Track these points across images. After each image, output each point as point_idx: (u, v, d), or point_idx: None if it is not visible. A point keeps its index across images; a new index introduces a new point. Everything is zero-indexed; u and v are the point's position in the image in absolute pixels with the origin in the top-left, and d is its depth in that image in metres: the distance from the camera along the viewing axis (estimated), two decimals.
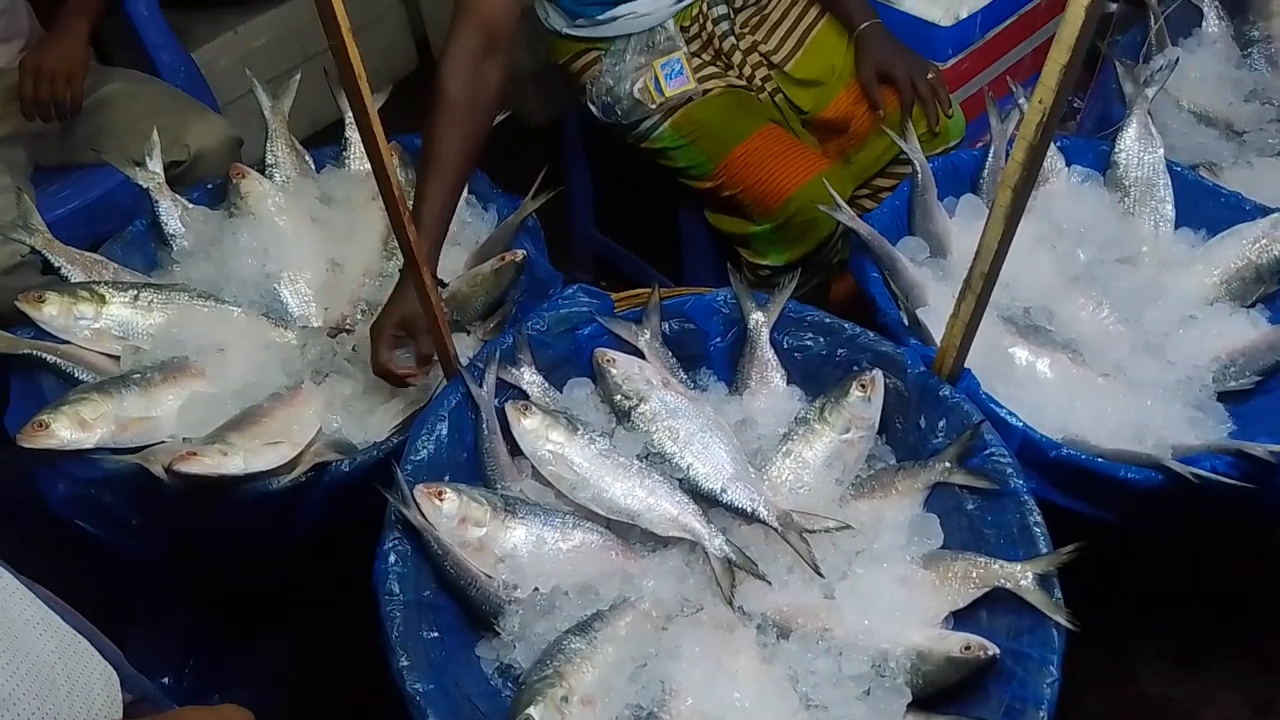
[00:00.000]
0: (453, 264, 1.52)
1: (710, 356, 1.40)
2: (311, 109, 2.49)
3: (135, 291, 1.43)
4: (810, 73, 1.72)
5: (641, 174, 1.82)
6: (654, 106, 1.62)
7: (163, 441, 1.29)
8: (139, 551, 1.36)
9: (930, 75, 1.65)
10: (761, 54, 1.73)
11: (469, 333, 1.45)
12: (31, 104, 1.64)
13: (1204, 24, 1.81)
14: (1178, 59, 1.61)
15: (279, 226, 1.55)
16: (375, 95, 1.66)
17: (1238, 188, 1.52)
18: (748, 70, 1.72)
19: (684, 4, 1.68)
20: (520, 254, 1.43)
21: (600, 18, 1.67)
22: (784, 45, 1.73)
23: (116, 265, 1.53)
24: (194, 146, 1.74)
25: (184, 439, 1.27)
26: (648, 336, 1.34)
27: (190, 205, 1.59)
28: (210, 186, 1.65)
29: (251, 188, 1.56)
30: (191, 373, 1.38)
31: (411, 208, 1.28)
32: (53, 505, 1.30)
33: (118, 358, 1.42)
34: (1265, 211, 1.45)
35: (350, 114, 1.57)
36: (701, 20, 1.71)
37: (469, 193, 1.62)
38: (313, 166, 1.70)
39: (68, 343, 1.40)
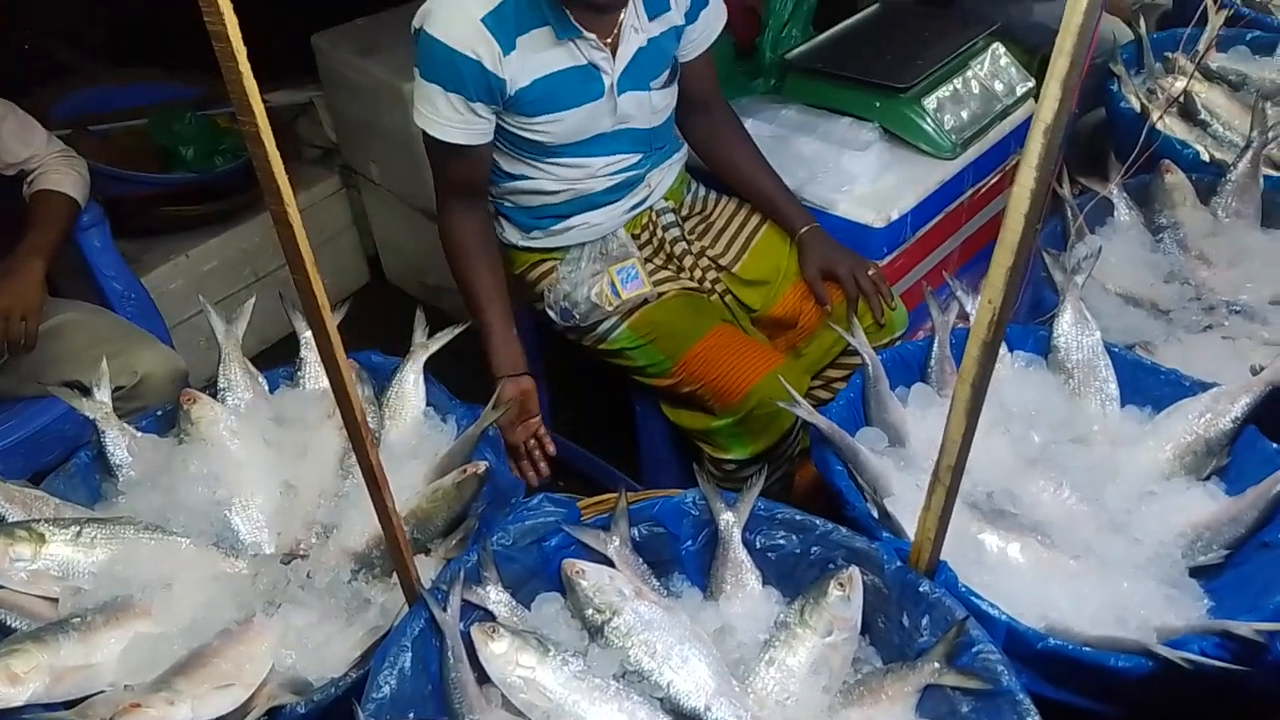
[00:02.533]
0: (411, 479, 1.49)
1: (682, 561, 1.37)
2: (261, 327, 2.50)
3: (77, 528, 1.36)
4: (757, 273, 1.79)
5: (596, 373, 1.84)
6: (611, 309, 1.67)
7: (103, 691, 1.20)
8: None
9: (871, 271, 1.74)
10: (710, 258, 1.81)
11: (429, 552, 1.40)
12: None
13: (1116, 213, 1.93)
14: (1100, 248, 1.71)
15: (230, 451, 1.51)
16: (333, 314, 1.69)
17: (1173, 364, 1.57)
18: (698, 274, 1.79)
19: (635, 213, 1.76)
20: (483, 466, 1.41)
21: (555, 228, 1.74)
22: (730, 249, 1.81)
23: (58, 500, 1.46)
24: (141, 372, 1.72)
25: (126, 687, 1.18)
26: (617, 544, 1.31)
27: (138, 434, 1.55)
28: (160, 413, 1.62)
29: (203, 413, 1.53)
30: (136, 612, 1.30)
31: (482, 341, 1.71)
32: None
33: (57, 600, 1.33)
34: (1204, 386, 1.50)
35: (307, 332, 1.59)
36: (651, 228, 1.79)
37: (427, 404, 1.62)
38: (266, 388, 1.68)
39: (2, 587, 1.32)
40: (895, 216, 1.88)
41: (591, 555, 1.30)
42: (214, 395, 1.60)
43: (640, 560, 1.33)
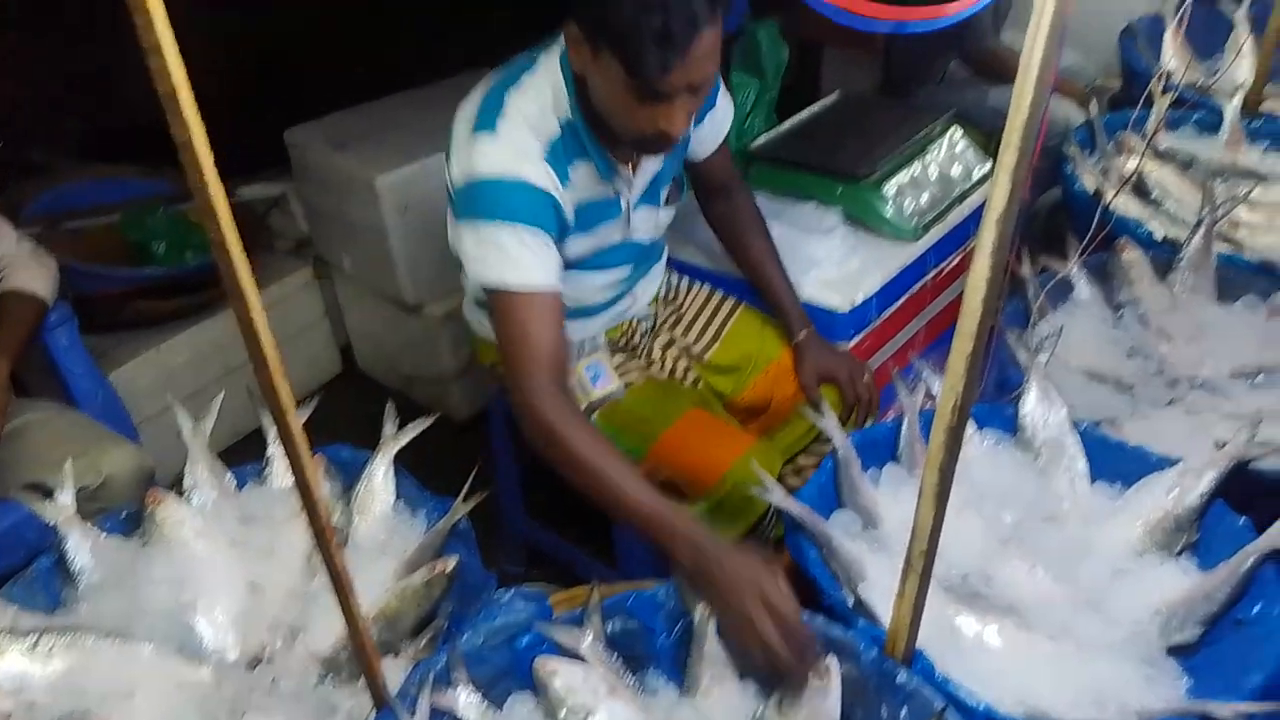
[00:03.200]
0: (380, 576, 1.46)
1: (657, 655, 1.34)
2: (233, 420, 2.48)
3: (34, 637, 1.32)
4: (728, 359, 1.81)
5: None
6: (581, 407, 1.66)
7: None
8: None
9: (865, 377, 1.77)
10: (680, 347, 1.82)
11: (399, 653, 1.37)
12: None
13: (1076, 292, 1.97)
14: (1061, 326, 1.74)
15: (195, 553, 1.48)
16: (300, 409, 1.68)
17: (1139, 440, 1.59)
18: (669, 364, 1.81)
19: (616, 322, 1.77)
20: (452, 562, 1.39)
21: None
22: (702, 338, 1.83)
23: (16, 609, 1.42)
24: (105, 471, 1.70)
25: None
26: (590, 640, 1.29)
27: (103, 535, 1.52)
28: (124, 515, 1.59)
29: (168, 514, 1.51)
30: None
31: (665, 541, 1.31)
32: None
33: (10, 716, 1.29)
34: (1170, 462, 1.51)
35: (274, 429, 1.57)
36: (630, 333, 1.81)
37: (397, 497, 1.60)
38: (234, 485, 1.66)
39: None
40: (860, 299, 1.91)
41: (565, 652, 1.28)
42: (181, 494, 1.58)
43: (615, 656, 1.30)
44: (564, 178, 1.50)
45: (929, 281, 2.10)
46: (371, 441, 1.63)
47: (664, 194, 1.73)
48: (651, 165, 1.65)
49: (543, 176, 1.45)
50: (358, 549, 1.54)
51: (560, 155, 1.49)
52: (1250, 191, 2.20)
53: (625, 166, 1.61)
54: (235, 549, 1.54)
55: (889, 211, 2.01)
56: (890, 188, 2.03)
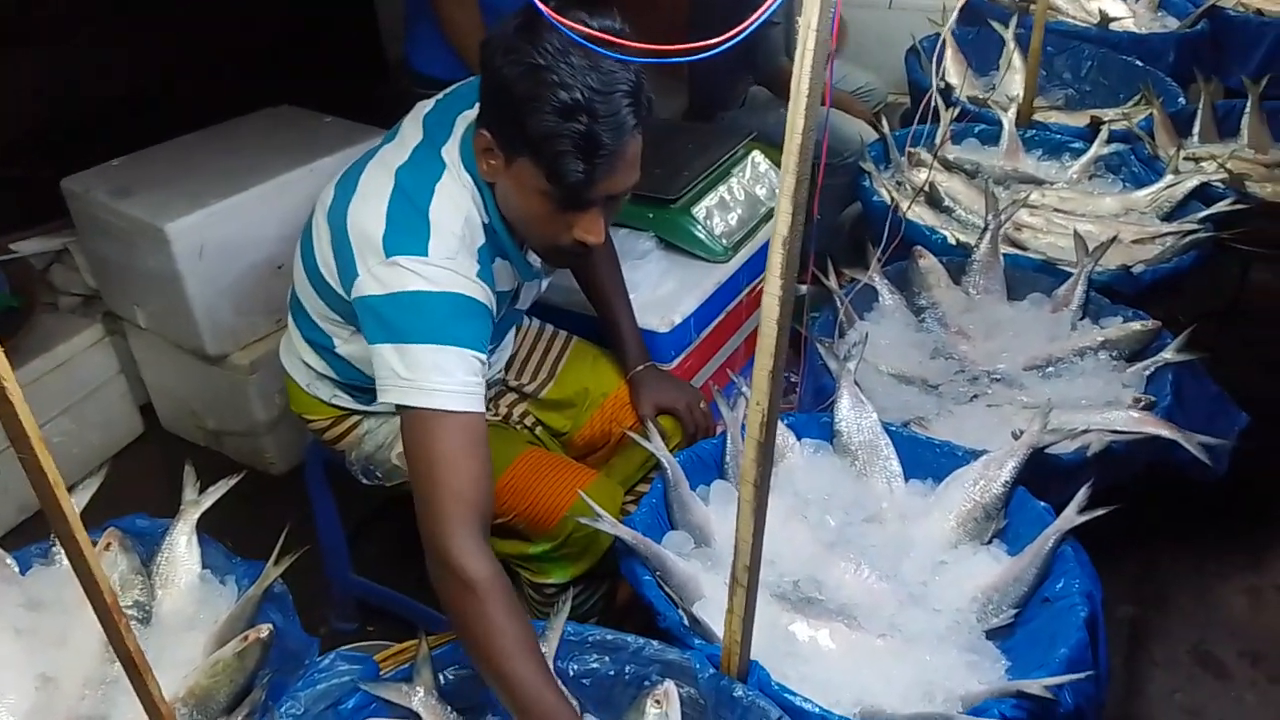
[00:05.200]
0: (189, 653, 1.36)
1: (493, 703, 1.30)
2: (19, 495, 2.28)
3: None
4: (563, 394, 1.79)
5: (399, 504, 1.76)
6: None
7: None
8: None
9: (702, 404, 1.78)
10: (514, 389, 1.79)
11: None
12: None
13: (880, 299, 2.06)
14: (866, 334, 1.81)
15: None
16: (89, 480, 1.55)
17: (946, 436, 1.67)
18: (503, 409, 1.77)
19: None
20: (266, 629, 1.30)
21: (368, 390, 1.63)
22: (536, 377, 1.81)
23: None
24: None
25: None
26: (421, 694, 1.24)
27: None
28: None
29: None
30: None
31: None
32: None
33: None
34: (975, 455, 1.59)
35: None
36: None
37: (203, 566, 1.49)
38: (16, 569, 1.50)
39: None
40: (679, 320, 1.93)
41: (396, 711, 1.22)
42: None
43: (449, 709, 1.25)
44: (491, 281, 1.41)
45: (743, 299, 2.16)
46: (179, 505, 1.52)
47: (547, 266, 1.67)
48: None
49: (481, 291, 1.36)
50: (162, 626, 1.42)
51: (485, 259, 1.41)
52: (1028, 196, 2.38)
53: (531, 259, 1.56)
54: (21, 639, 1.39)
55: (700, 233, 2.05)
56: (699, 210, 2.08)
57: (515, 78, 1.23)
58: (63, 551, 1.49)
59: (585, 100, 1.20)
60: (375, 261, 1.33)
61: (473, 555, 1.22)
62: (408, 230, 1.33)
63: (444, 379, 1.27)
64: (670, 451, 1.60)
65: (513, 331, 1.80)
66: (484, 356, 1.34)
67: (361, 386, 1.63)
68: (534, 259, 1.55)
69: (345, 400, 1.68)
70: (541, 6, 0.78)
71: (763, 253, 2.16)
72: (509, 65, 1.24)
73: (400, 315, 1.31)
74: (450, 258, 1.33)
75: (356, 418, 1.69)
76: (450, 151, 1.41)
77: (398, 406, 1.30)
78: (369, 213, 1.37)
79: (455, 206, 1.38)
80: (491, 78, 1.28)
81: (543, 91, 1.21)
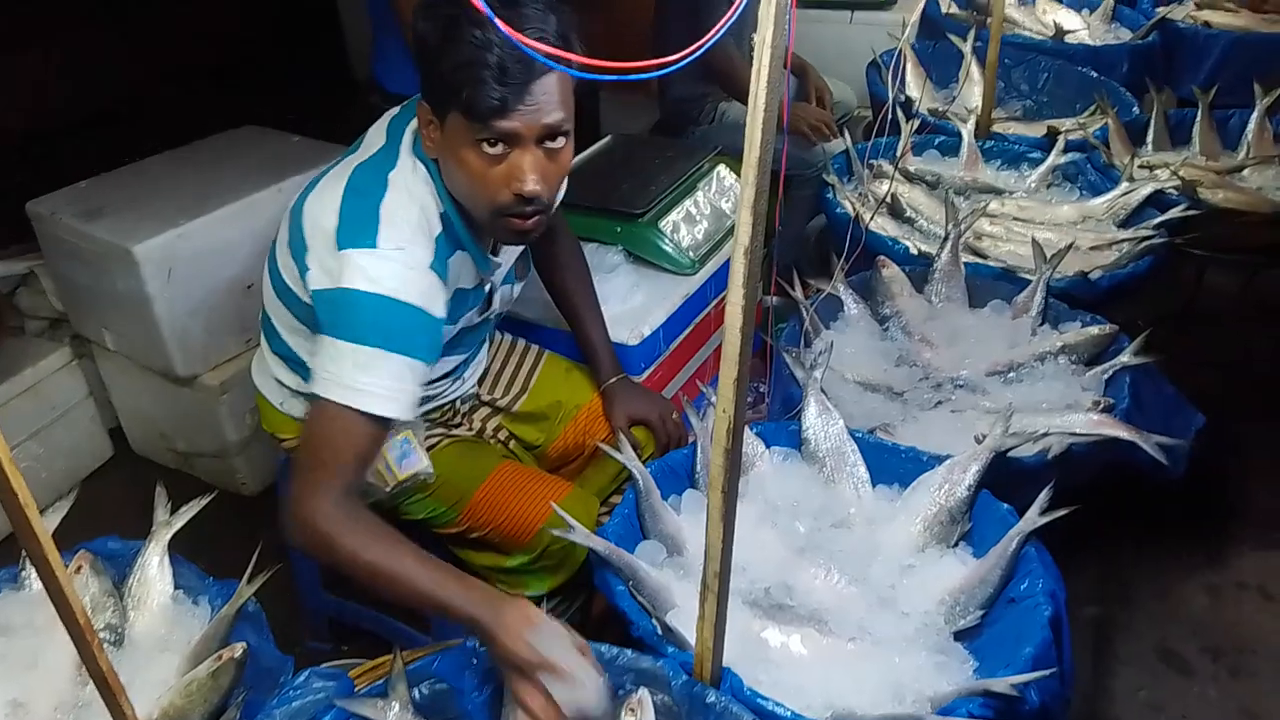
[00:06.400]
0: (163, 674, 1.35)
1: (471, 715, 1.31)
2: None
3: None
4: (536, 407, 1.80)
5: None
6: (387, 490, 1.58)
7: None
8: None
9: (675, 415, 1.80)
10: (487, 403, 1.80)
11: None
12: None
13: (845, 309, 2.10)
14: (832, 343, 1.84)
15: None
16: (59, 503, 1.54)
17: (911, 442, 1.70)
18: (477, 424, 1.78)
19: (431, 405, 1.71)
20: (240, 648, 1.30)
21: None
22: (510, 391, 1.82)
23: None
24: None
25: None
26: (396, 709, 1.24)
27: None
28: None
29: None
30: None
31: (454, 615, 1.24)
32: None
33: None
34: (940, 459, 1.62)
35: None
36: (451, 412, 1.77)
37: (176, 587, 1.49)
38: None
39: None
40: (648, 333, 1.96)
41: None
42: None
43: None
44: (444, 274, 1.41)
45: (711, 310, 2.19)
46: (150, 527, 1.51)
47: (520, 271, 1.70)
48: (513, 250, 1.62)
49: (430, 294, 1.36)
50: (135, 648, 1.42)
51: (443, 251, 1.42)
52: (987, 205, 2.42)
53: (495, 256, 1.57)
54: None
55: (667, 246, 2.08)
56: (666, 224, 2.10)
57: (433, 30, 1.30)
58: (33, 575, 1.50)
59: (497, 33, 1.21)
60: (327, 254, 1.36)
61: (357, 517, 1.30)
62: (359, 222, 1.36)
63: (367, 380, 1.30)
64: (644, 462, 1.62)
65: (486, 345, 1.81)
66: (420, 362, 1.34)
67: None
68: (500, 257, 1.56)
69: None
70: (495, 17, 0.79)
71: (729, 265, 2.21)
72: (427, 21, 1.31)
73: (338, 311, 1.33)
74: (400, 247, 1.35)
75: None
76: (406, 143, 1.45)
77: (314, 395, 1.33)
78: (323, 207, 1.40)
79: (409, 195, 1.40)
80: (418, 42, 1.34)
81: (457, 31, 1.27)
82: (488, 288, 1.61)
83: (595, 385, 1.84)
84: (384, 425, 1.34)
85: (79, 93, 2.91)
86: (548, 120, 1.33)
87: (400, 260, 1.34)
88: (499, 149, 1.33)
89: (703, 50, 0.77)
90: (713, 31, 0.75)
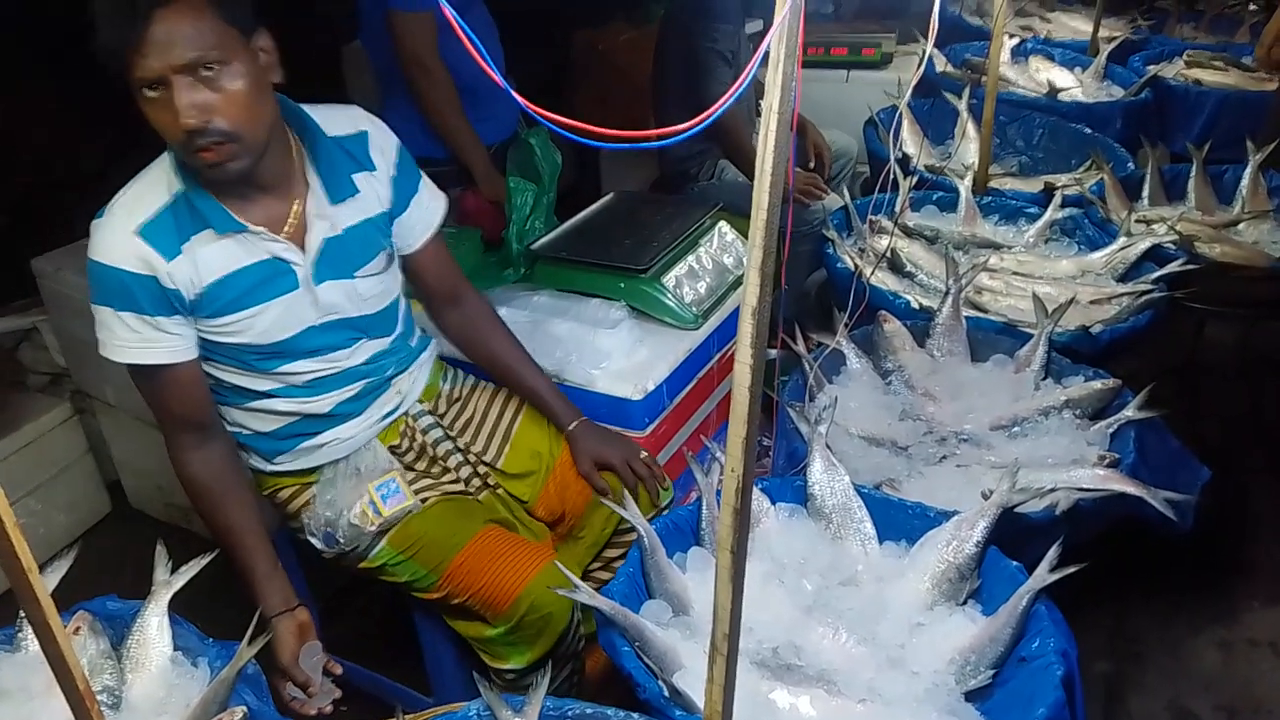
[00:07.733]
0: None
1: None
2: None
3: None
4: (520, 466, 1.79)
5: (369, 584, 1.75)
6: (373, 528, 1.58)
7: None
8: None
9: (643, 455, 1.77)
10: (474, 455, 1.78)
11: None
12: None
13: (848, 363, 2.10)
14: (836, 397, 1.84)
15: None
16: (58, 561, 1.53)
17: (918, 498, 1.69)
18: (465, 472, 1.76)
19: (388, 422, 1.71)
20: (239, 712, 1.28)
21: (302, 448, 1.66)
22: (491, 444, 1.80)
23: None
24: None
25: None
26: None
27: None
28: None
29: None
30: None
31: (245, 583, 1.56)
32: None
33: None
34: (947, 515, 1.61)
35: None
36: (410, 434, 1.75)
37: (175, 648, 1.47)
38: None
39: None
40: (651, 387, 1.96)
41: None
42: None
43: None
44: (171, 251, 1.47)
45: (715, 365, 2.19)
46: (146, 585, 1.49)
47: (364, 270, 1.63)
48: (318, 232, 1.56)
49: (131, 254, 1.45)
50: (133, 710, 1.39)
51: (168, 226, 1.47)
52: (987, 260, 2.44)
53: (282, 237, 1.53)
54: None
55: (670, 301, 2.09)
56: (669, 279, 2.12)
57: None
58: (29, 637, 1.47)
59: None
60: None
61: (194, 461, 1.58)
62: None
63: (107, 335, 1.49)
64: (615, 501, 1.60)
65: (420, 361, 1.79)
66: (151, 317, 1.47)
67: (280, 435, 1.67)
68: (280, 238, 1.54)
69: (285, 463, 1.69)
70: (497, 78, 0.79)
71: (732, 319, 2.22)
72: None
73: (89, 281, 1.49)
74: (110, 213, 1.47)
75: (305, 485, 1.70)
76: None
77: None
78: None
79: (141, 178, 1.51)
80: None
81: (95, 7, 1.33)
82: (300, 275, 1.55)
83: (557, 430, 1.83)
84: (160, 376, 1.51)
85: (83, 147, 2.92)
86: (177, 59, 1.33)
87: (112, 227, 1.46)
88: (158, 92, 1.36)
89: (710, 121, 0.78)
90: (720, 101, 0.76)
